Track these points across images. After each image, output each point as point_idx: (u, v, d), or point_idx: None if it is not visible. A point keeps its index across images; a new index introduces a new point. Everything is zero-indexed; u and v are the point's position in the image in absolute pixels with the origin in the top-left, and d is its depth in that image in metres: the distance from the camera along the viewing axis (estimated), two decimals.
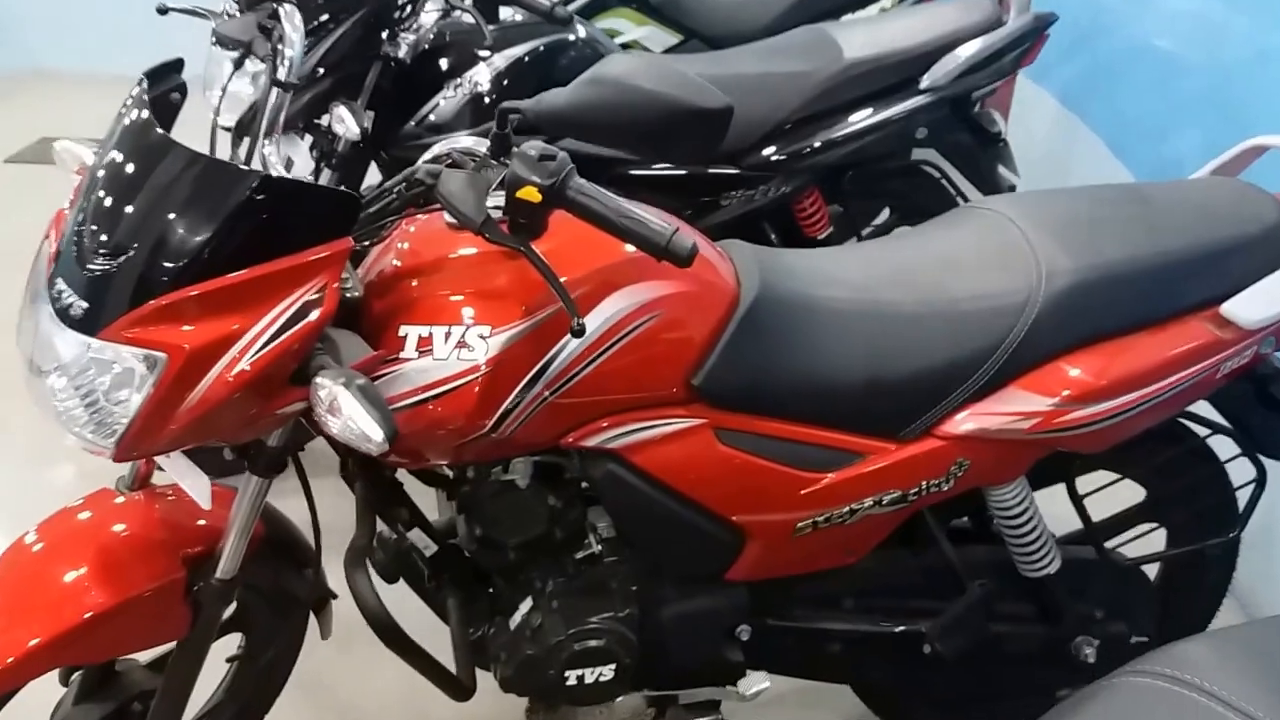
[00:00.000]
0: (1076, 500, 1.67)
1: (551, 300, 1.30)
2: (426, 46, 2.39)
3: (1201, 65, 2.68)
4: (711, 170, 2.49)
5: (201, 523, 1.42)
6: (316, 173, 2.29)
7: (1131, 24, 3.08)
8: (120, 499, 1.42)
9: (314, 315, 1.18)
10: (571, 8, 3.17)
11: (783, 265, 1.51)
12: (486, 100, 2.33)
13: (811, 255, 1.59)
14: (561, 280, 1.22)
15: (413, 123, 2.35)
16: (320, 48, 2.17)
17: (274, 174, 1.34)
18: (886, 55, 2.45)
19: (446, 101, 2.33)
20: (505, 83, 2.33)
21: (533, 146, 1.20)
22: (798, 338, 1.44)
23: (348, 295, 1.31)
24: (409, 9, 2.29)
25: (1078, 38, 3.35)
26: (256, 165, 1.52)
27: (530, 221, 1.20)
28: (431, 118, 2.34)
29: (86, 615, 1.30)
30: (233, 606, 1.52)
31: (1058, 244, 1.50)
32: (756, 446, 1.43)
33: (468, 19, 2.38)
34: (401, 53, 2.34)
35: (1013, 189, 2.66)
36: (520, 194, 1.17)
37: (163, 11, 1.64)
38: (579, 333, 1.17)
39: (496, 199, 1.22)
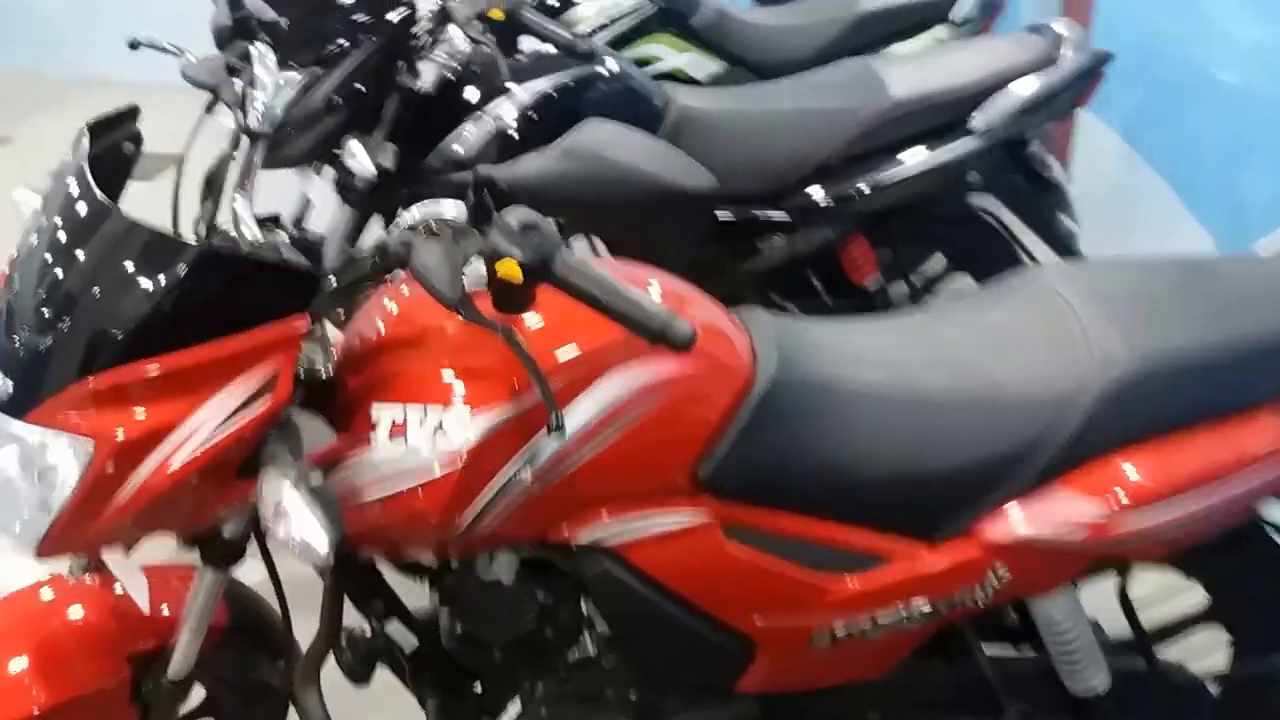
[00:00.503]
0: (1128, 606, 1.50)
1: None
2: (451, 76, 2.28)
3: (1269, 98, 2.49)
4: (751, 212, 2.35)
5: (164, 610, 1.31)
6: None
7: (1195, 53, 2.89)
8: (73, 583, 1.31)
9: (265, 402, 1.07)
10: (610, 33, 3.08)
11: (806, 340, 1.36)
12: (511, 134, 2.21)
13: (839, 328, 1.45)
14: (552, 360, 1.09)
15: (435, 155, 2.23)
16: (332, 79, 2.07)
17: (220, 246, 1.21)
18: (934, 94, 2.29)
19: (469, 135, 2.20)
20: (530, 116, 2.21)
21: (516, 215, 1.07)
22: (819, 425, 1.29)
23: (317, 372, 1.19)
24: (428, 39, 2.17)
25: (1139, 67, 3.16)
26: (226, 223, 1.39)
27: (513, 297, 1.08)
28: (455, 149, 2.22)
29: (25, 716, 1.19)
30: (202, 693, 1.41)
31: (1114, 325, 1.34)
32: (770, 545, 1.28)
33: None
34: (421, 84, 2.23)
35: (1072, 236, 2.49)
36: (500, 269, 1.05)
37: (134, 46, 1.52)
38: (557, 431, 1.04)
39: (479, 270, 1.10)
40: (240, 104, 1.45)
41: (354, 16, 2.08)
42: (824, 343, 1.37)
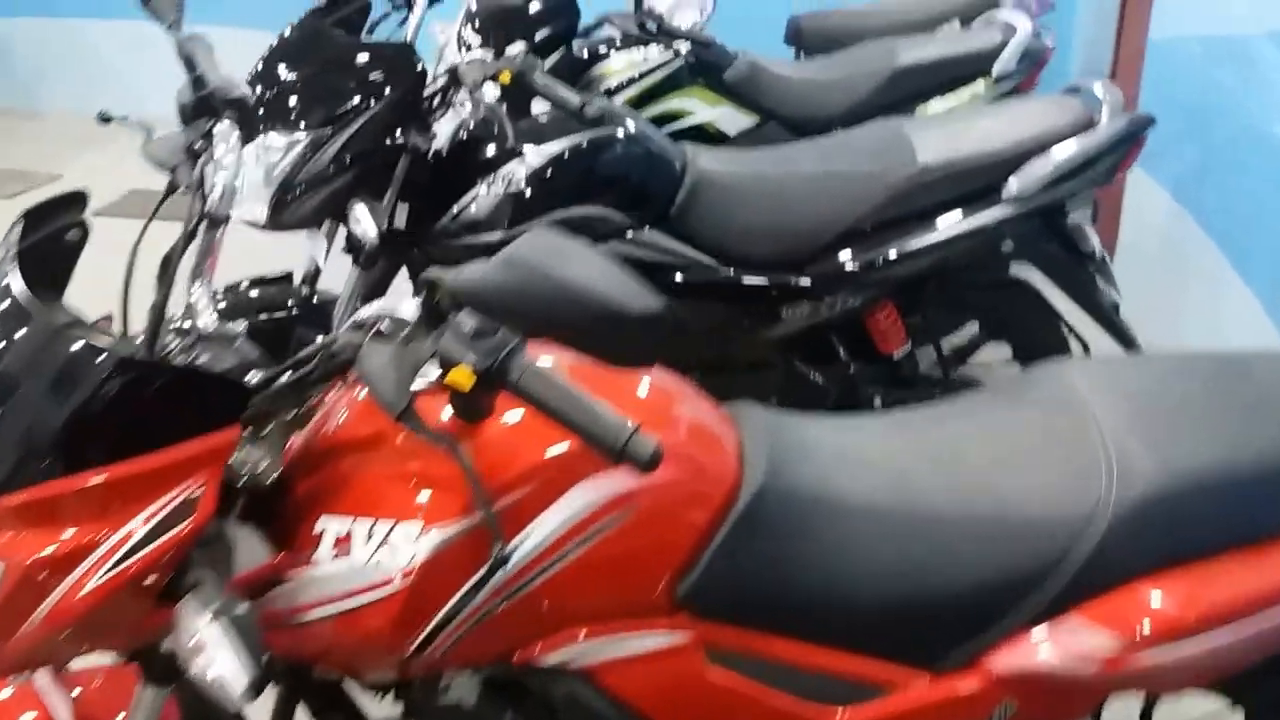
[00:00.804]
0: None
1: (501, 491, 1.09)
2: (464, 136, 2.22)
3: None
4: (771, 279, 2.26)
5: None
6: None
7: (1251, 110, 2.76)
8: (8, 692, 1.24)
9: (187, 523, 1.00)
10: (640, 86, 3.02)
11: (799, 442, 1.26)
12: (523, 197, 2.15)
13: (837, 428, 1.34)
14: (512, 470, 1.02)
15: (448, 217, 2.17)
16: (340, 139, 2.02)
17: (139, 356, 1.14)
18: (965, 160, 2.19)
19: (482, 198, 2.14)
20: (543, 180, 2.14)
21: (470, 319, 1.00)
22: (811, 540, 1.19)
23: (261, 480, 1.12)
24: (439, 100, 2.12)
25: (1192, 123, 3.04)
26: (179, 313, 1.33)
27: (467, 406, 1.01)
28: (470, 211, 2.16)
29: None
30: None
31: (1136, 435, 1.23)
32: (756, 671, 1.18)
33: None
34: (433, 145, 2.18)
35: (1115, 307, 2.37)
36: (451, 376, 0.98)
37: (105, 120, 1.46)
38: (498, 564, 0.96)
39: (433, 374, 1.03)
40: (199, 186, 1.38)
41: (364, 77, 2.03)
42: (820, 445, 1.28)
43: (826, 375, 2.36)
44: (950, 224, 2.21)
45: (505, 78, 1.97)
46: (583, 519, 1.10)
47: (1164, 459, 1.20)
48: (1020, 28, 3.06)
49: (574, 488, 1.10)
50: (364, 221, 2.04)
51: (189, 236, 1.32)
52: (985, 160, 2.19)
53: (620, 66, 3.04)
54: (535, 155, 2.14)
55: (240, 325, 1.23)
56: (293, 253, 2.30)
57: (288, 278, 2.35)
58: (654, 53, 3.01)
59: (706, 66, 3.05)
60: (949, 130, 2.28)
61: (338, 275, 2.26)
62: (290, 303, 2.30)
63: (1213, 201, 2.88)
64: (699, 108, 3.08)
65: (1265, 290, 2.61)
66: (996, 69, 3.05)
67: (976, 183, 2.21)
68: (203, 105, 1.43)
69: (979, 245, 2.23)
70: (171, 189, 1.36)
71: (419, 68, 2.07)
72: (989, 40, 3.06)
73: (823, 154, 2.31)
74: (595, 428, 0.97)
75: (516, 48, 2.00)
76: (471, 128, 2.15)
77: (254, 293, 2.32)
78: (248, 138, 1.46)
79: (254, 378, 1.13)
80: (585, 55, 3.08)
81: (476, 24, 1.99)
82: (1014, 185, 2.18)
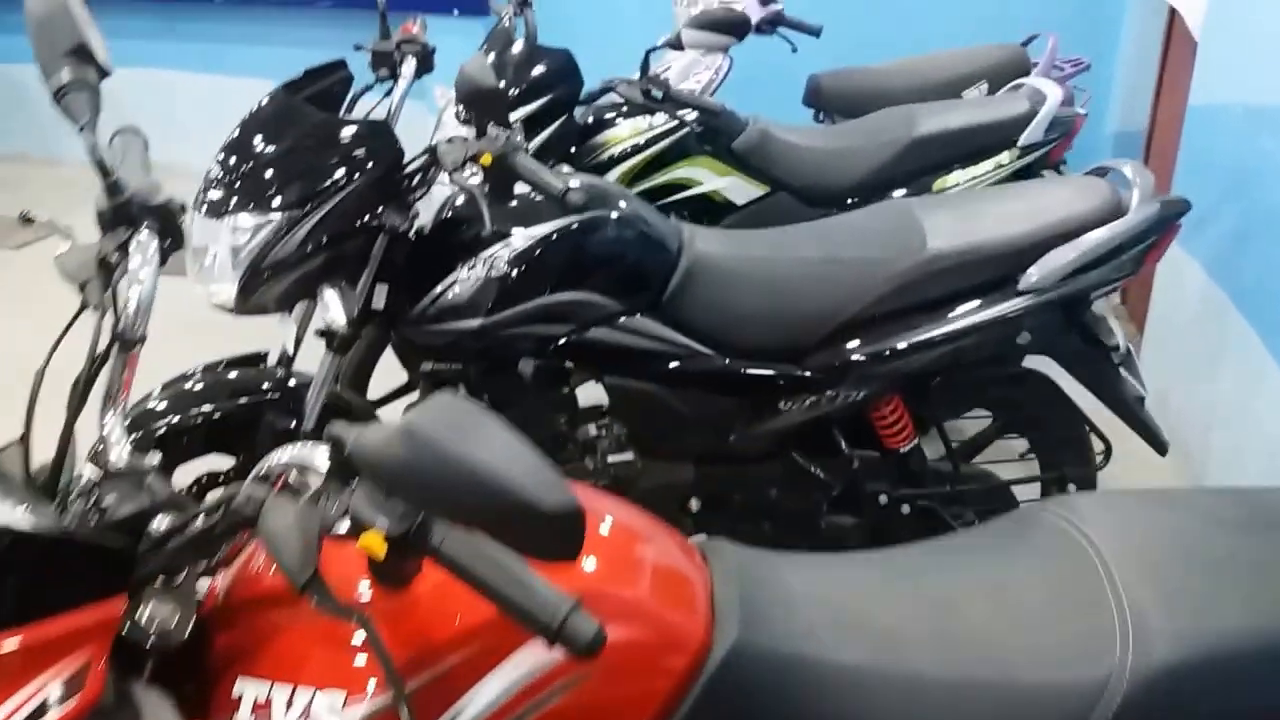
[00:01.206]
0: None
1: (428, 661, 0.96)
2: (446, 216, 2.11)
3: None
4: (770, 370, 2.12)
5: None
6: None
7: None
8: None
9: (71, 704, 0.87)
10: (646, 155, 2.90)
11: (777, 590, 1.13)
12: (508, 283, 2.02)
13: (819, 569, 1.20)
14: (450, 630, 0.91)
15: (428, 299, 2.05)
16: (311, 222, 1.91)
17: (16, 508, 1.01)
18: (980, 247, 2.05)
19: (462, 282, 2.03)
20: (528, 264, 2.02)
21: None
22: (790, 706, 1.05)
23: (170, 639, 0.99)
24: (418, 179, 2.01)
25: (1229, 195, 2.87)
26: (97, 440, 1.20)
27: (385, 572, 0.91)
28: (449, 296, 2.04)
29: None
30: None
31: (1153, 589, 1.08)
32: None
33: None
34: (412, 226, 2.07)
35: (1140, 400, 2.20)
36: (363, 542, 0.86)
37: (26, 221, 1.34)
38: None
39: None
40: (112, 304, 1.26)
41: (338, 156, 1.92)
42: (799, 593, 1.14)
43: (828, 470, 2.21)
44: (963, 315, 2.06)
45: (486, 160, 1.86)
46: (527, 686, 0.98)
47: (1186, 619, 1.05)
48: (1050, 96, 2.91)
49: (517, 652, 0.98)
50: (334, 308, 1.93)
51: (98, 361, 1.19)
52: (1002, 247, 2.05)
53: (625, 134, 2.93)
54: (520, 238, 2.02)
55: (154, 457, 1.09)
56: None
57: (261, 357, 2.23)
58: (660, 120, 2.90)
59: (714, 134, 2.93)
60: (963, 213, 2.13)
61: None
62: (266, 386, 2.18)
63: (1251, 281, 2.71)
64: (706, 177, 2.97)
65: None
66: (1023, 139, 2.91)
67: (992, 272, 2.06)
68: (121, 213, 1.30)
69: (993, 338, 2.08)
70: (81, 307, 1.24)
71: (396, 146, 1.96)
72: (1015, 109, 2.92)
73: (827, 238, 2.17)
74: (528, 604, 0.85)
75: (498, 129, 1.88)
76: (451, 210, 2.03)
77: (232, 374, 2.21)
78: (170, 249, 1.33)
79: (161, 523, 1.02)
80: (590, 120, 2.98)
81: (460, 99, 1.88)
82: (1033, 275, 2.04)
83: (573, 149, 2.95)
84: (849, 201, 2.97)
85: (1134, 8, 4.35)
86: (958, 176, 2.92)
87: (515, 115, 2.80)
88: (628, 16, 4.55)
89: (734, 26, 2.63)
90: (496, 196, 2.00)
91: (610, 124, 2.95)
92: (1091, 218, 2.06)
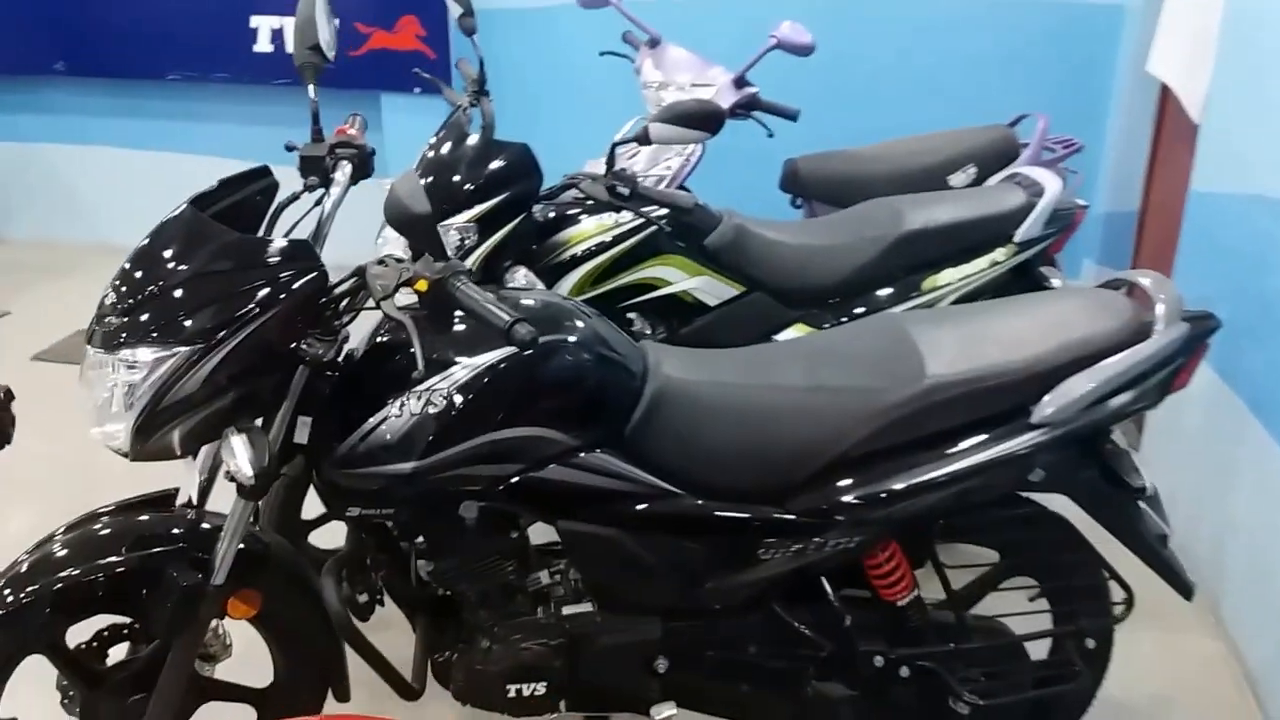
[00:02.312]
0: None
1: None
2: (384, 338, 1.86)
3: None
4: (747, 513, 1.86)
5: None
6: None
7: None
8: None
9: None
10: (613, 253, 2.68)
11: None
12: (447, 420, 1.76)
13: None
14: None
15: (357, 436, 1.79)
16: (216, 357, 1.65)
17: None
18: (984, 376, 1.80)
19: (394, 420, 1.76)
20: (469, 399, 1.76)
21: None
22: None
23: None
24: (345, 303, 1.76)
25: (1238, 274, 2.66)
26: None
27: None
28: (377, 435, 1.77)
29: None
30: None
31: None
32: None
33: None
34: (346, 349, 1.82)
35: (1164, 539, 1.96)
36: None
37: None
38: None
39: None
40: None
41: (251, 282, 1.67)
42: None
43: (815, 626, 1.95)
44: (968, 452, 1.82)
45: (421, 286, 1.61)
46: None
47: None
48: (1049, 188, 2.70)
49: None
50: (239, 456, 1.66)
51: None
52: (1011, 375, 1.80)
53: (590, 231, 2.70)
54: (462, 369, 1.76)
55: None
56: None
57: (169, 496, 1.97)
58: (626, 217, 2.67)
59: (686, 231, 2.70)
60: (965, 332, 1.89)
61: None
62: (177, 532, 1.91)
63: (1266, 381, 2.49)
64: (677, 276, 2.73)
65: None
66: (1019, 235, 2.69)
67: (1000, 403, 1.82)
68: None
69: (1003, 477, 1.83)
70: None
71: (319, 268, 1.70)
72: (1011, 202, 2.71)
73: (812, 360, 1.93)
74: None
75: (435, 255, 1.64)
76: (386, 334, 1.78)
77: (144, 516, 1.95)
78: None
79: None
80: (553, 215, 2.74)
81: (389, 221, 1.64)
82: (1047, 407, 1.79)
83: (534, 245, 2.72)
84: (831, 301, 2.75)
85: (1123, 85, 4.17)
86: (949, 275, 2.70)
87: (469, 214, 2.56)
88: (594, 100, 4.31)
89: (706, 120, 2.40)
90: (434, 325, 1.75)
91: (574, 220, 2.71)
92: (1111, 339, 1.82)
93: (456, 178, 2.56)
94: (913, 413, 1.80)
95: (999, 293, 2.78)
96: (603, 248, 2.68)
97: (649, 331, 2.81)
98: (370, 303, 1.71)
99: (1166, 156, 3.83)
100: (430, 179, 2.59)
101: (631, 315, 2.80)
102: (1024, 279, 2.82)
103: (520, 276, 2.65)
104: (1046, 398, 1.80)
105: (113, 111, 5.36)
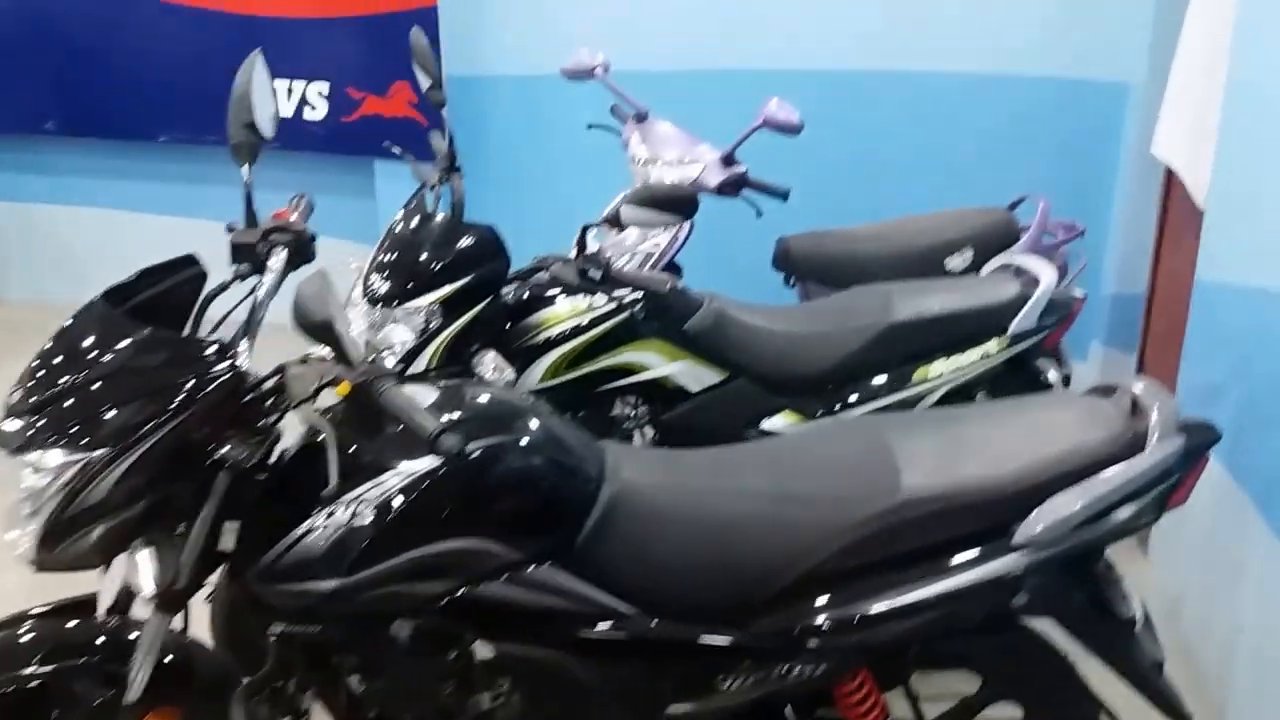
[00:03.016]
0: None
1: None
2: (301, 448, 1.73)
3: None
4: (706, 636, 1.71)
5: None
6: None
7: None
8: None
9: None
10: (587, 337, 2.56)
11: None
12: (377, 533, 1.62)
13: None
14: None
15: (281, 547, 1.65)
16: (124, 461, 1.53)
17: None
18: (962, 492, 1.66)
19: (319, 531, 1.63)
20: (402, 511, 1.63)
21: None
22: None
23: None
24: (270, 402, 1.63)
25: (1240, 360, 2.51)
26: None
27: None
28: (300, 549, 1.64)
29: None
30: None
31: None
32: None
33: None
34: (276, 450, 1.69)
35: (1158, 666, 1.80)
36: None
37: None
38: None
39: None
40: None
41: (163, 382, 1.55)
42: None
43: None
44: (947, 573, 1.67)
45: (343, 389, 1.49)
46: None
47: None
48: (1044, 279, 2.58)
49: None
50: (143, 571, 1.53)
51: None
52: (993, 491, 1.66)
53: (564, 313, 2.58)
54: (393, 476, 1.63)
55: None
56: None
57: (88, 602, 1.83)
58: (601, 300, 2.55)
59: (664, 314, 2.58)
60: (945, 440, 1.75)
61: None
62: (99, 641, 1.78)
63: (1261, 464, 2.34)
64: (656, 361, 2.61)
65: None
66: (1013, 327, 2.56)
67: (982, 521, 1.67)
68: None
69: (984, 602, 1.68)
70: None
71: (237, 367, 1.58)
72: (1004, 293, 2.58)
73: (778, 464, 1.79)
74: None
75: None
76: (300, 446, 1.65)
77: (72, 622, 1.81)
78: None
79: None
80: (526, 296, 2.62)
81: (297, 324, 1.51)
82: (1034, 525, 1.64)
83: (508, 326, 2.60)
84: (822, 389, 2.61)
85: (1128, 165, 4.05)
86: (940, 367, 2.57)
87: (434, 295, 2.45)
88: (584, 170, 4.21)
89: (680, 205, 2.29)
90: (365, 425, 1.62)
91: (548, 302, 2.59)
92: (1101, 452, 1.68)
93: (422, 257, 2.46)
94: (886, 528, 1.66)
95: (995, 384, 2.66)
96: (577, 331, 2.55)
97: (631, 415, 2.69)
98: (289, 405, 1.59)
99: (1174, 239, 3.71)
100: (394, 255, 2.49)
101: (615, 400, 2.68)
102: (1021, 371, 2.69)
103: (489, 360, 2.53)
104: (1033, 515, 1.65)
105: (106, 173, 5.31)
